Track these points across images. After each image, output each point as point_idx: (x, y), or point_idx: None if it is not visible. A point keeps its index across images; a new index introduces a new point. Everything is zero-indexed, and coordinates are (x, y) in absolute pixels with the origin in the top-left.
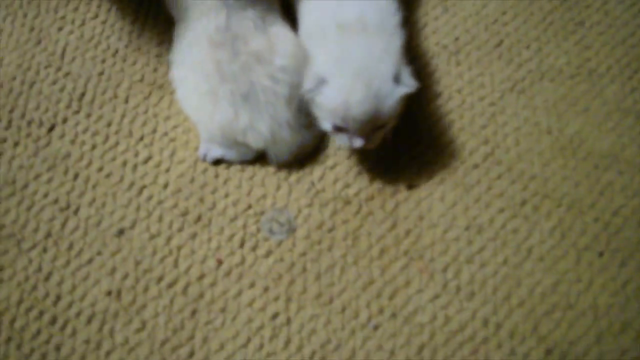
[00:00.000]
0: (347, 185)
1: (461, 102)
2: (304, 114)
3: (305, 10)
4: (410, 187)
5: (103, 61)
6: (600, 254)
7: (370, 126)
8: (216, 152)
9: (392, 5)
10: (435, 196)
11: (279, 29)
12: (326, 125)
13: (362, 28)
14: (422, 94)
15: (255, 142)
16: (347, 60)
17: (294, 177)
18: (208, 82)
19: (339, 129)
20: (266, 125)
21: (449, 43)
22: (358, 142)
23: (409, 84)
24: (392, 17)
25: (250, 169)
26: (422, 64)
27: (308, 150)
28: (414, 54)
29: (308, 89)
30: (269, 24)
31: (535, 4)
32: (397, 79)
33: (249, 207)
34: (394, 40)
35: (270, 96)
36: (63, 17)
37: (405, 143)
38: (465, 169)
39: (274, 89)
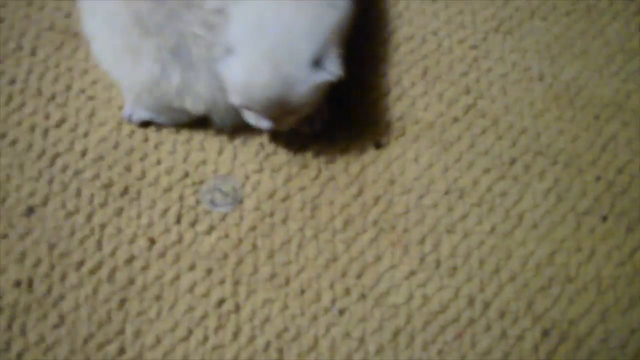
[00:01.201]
0: (303, 146)
1: (437, 46)
2: None
3: None
4: (379, 146)
5: (3, 6)
6: (604, 219)
7: (277, 111)
8: (143, 113)
9: None
10: (408, 156)
11: None
12: (233, 99)
13: None
14: (391, 37)
15: (194, 106)
16: (262, 32)
17: (239, 138)
18: (126, 37)
19: (245, 107)
20: (204, 85)
21: None
22: (264, 124)
23: (330, 72)
24: None
25: (186, 131)
26: (390, 1)
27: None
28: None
29: (214, 57)
30: None
31: None
32: (317, 63)
33: (186, 175)
34: (329, 14)
35: (205, 48)
36: None
37: (371, 94)
38: (443, 124)
39: (209, 39)
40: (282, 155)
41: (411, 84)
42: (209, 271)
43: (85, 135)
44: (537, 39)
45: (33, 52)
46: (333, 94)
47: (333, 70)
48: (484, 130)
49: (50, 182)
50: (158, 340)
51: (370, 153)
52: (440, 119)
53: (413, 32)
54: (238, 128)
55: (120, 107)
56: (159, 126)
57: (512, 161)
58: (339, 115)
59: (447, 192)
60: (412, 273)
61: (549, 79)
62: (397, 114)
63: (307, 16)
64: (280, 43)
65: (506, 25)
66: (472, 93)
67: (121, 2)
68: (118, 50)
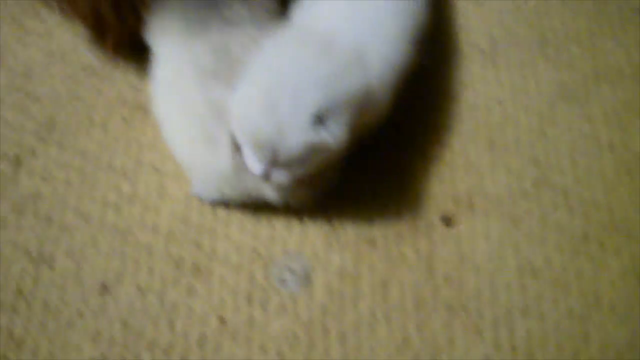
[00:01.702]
0: (370, 222)
1: (502, 115)
2: None
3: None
4: (447, 221)
5: (75, 80)
6: None
7: (268, 155)
8: (213, 193)
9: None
10: (477, 232)
11: None
12: (232, 127)
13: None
14: (454, 105)
15: (273, 196)
16: (278, 66)
17: (307, 214)
18: (203, 126)
19: (240, 140)
20: (285, 176)
21: (484, 43)
22: (255, 167)
23: (331, 134)
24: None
25: (254, 206)
26: (451, 68)
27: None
28: (442, 57)
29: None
30: None
31: None
32: (320, 120)
33: (255, 252)
34: (356, 76)
35: None
36: (25, 28)
37: (436, 165)
38: (513, 198)
39: None
40: (350, 232)
41: (477, 155)
42: (281, 354)
43: (156, 210)
44: (604, 106)
45: (104, 127)
46: (395, 163)
47: (335, 133)
48: (555, 204)
49: (123, 258)
50: None
51: (439, 229)
52: (509, 193)
53: (476, 100)
54: (307, 206)
55: (189, 183)
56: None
57: (586, 237)
58: (404, 186)
59: (519, 271)
60: (487, 358)
61: (619, 149)
62: (464, 187)
63: (329, 68)
64: (288, 83)
65: (572, 91)
66: (540, 165)
67: (198, 90)
68: (192, 138)
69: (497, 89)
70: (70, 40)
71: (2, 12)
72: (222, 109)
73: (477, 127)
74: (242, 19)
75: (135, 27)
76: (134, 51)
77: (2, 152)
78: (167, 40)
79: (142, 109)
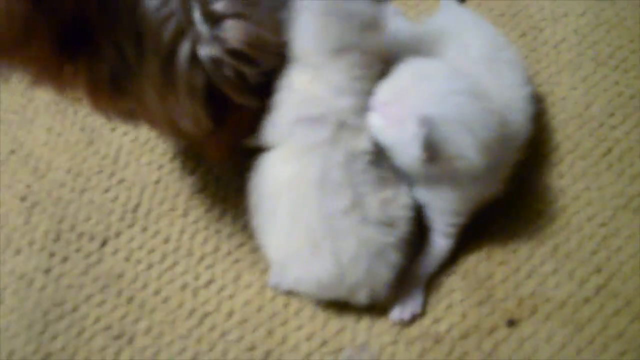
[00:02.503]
0: (436, 320)
1: (566, 223)
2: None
3: None
4: (511, 323)
5: (160, 167)
6: None
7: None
8: (291, 284)
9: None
10: (540, 335)
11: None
12: None
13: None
14: (520, 212)
15: (359, 300)
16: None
17: (375, 308)
18: (309, 233)
19: None
20: (368, 288)
21: (550, 151)
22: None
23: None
24: None
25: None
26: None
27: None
28: None
29: None
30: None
31: None
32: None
33: (325, 343)
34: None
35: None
36: None
37: (502, 270)
38: (575, 304)
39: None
40: (416, 329)
41: (541, 261)
42: None
43: (231, 297)
44: None
45: (185, 213)
46: (461, 265)
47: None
48: (617, 312)
49: (199, 341)
50: None
51: (502, 330)
52: (571, 299)
53: (542, 207)
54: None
55: (264, 271)
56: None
57: None
58: (469, 287)
59: None
60: None
61: None
62: (528, 291)
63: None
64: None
65: (634, 202)
66: (603, 272)
67: (316, 200)
68: (297, 241)
69: (561, 197)
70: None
71: None
72: (335, 224)
73: (542, 233)
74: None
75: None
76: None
77: (91, 232)
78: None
79: (222, 200)
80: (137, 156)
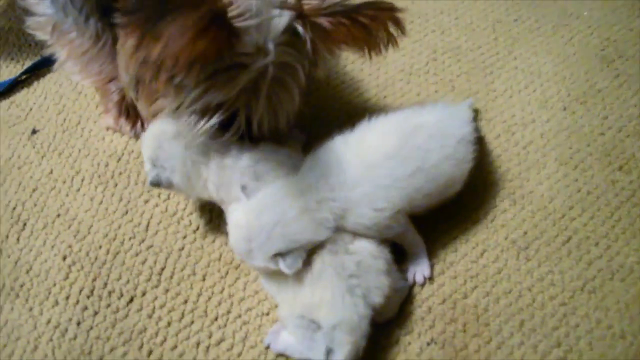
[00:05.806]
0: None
1: (531, 301)
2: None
3: None
4: None
5: (184, 237)
6: None
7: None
8: (280, 347)
9: None
10: None
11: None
12: None
13: None
14: (491, 291)
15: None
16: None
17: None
18: (327, 287)
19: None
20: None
21: (518, 237)
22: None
23: (287, 266)
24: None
25: None
26: (490, 259)
27: None
28: (481, 249)
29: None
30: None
31: (602, 199)
32: (280, 255)
33: None
34: (316, 234)
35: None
36: (150, 190)
37: (476, 341)
38: None
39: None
40: None
41: (510, 334)
42: None
43: (239, 355)
44: (617, 299)
45: (203, 278)
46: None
47: (290, 266)
48: None
49: None
50: None
51: None
52: None
53: (511, 287)
54: None
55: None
56: None
57: None
58: (447, 358)
59: None
60: None
61: (629, 338)
62: None
63: (298, 224)
64: (266, 222)
65: (590, 285)
66: (562, 346)
67: (328, 257)
68: (309, 297)
69: (527, 278)
70: (182, 202)
71: (131, 175)
72: (349, 279)
73: (510, 309)
74: None
75: None
76: None
77: (120, 290)
78: None
79: (235, 267)
80: (165, 225)
